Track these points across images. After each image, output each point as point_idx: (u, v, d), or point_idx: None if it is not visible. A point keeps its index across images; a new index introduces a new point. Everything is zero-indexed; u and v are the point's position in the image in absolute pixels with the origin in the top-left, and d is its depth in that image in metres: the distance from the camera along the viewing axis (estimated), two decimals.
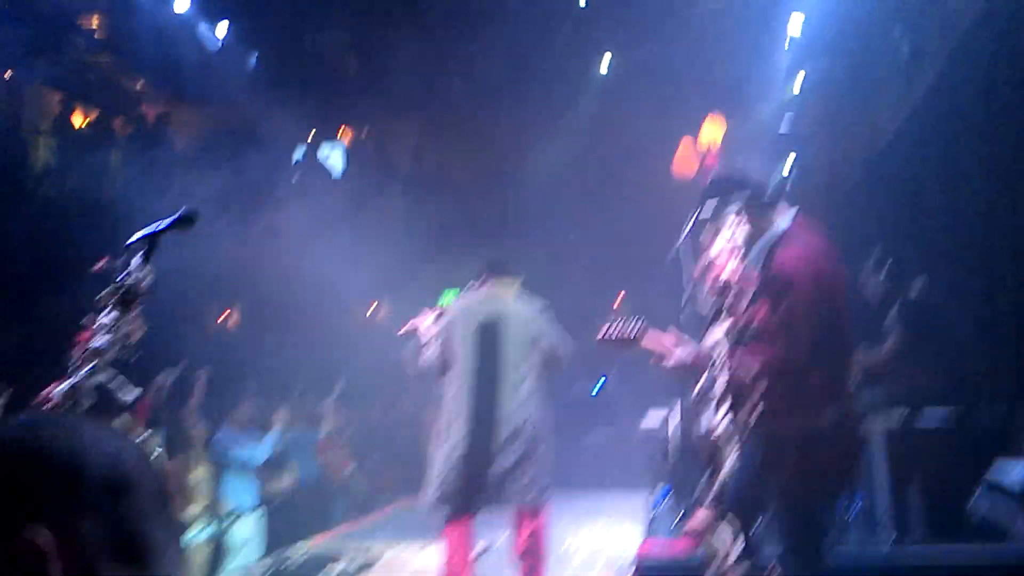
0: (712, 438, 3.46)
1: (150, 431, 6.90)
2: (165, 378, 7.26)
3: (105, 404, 3.11)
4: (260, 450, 8.20)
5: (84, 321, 2.79)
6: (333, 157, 15.19)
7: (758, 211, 3.50)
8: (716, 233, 3.57)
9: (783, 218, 3.45)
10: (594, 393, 10.89)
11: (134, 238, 2.82)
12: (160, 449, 6.88)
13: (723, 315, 3.64)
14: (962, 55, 6.21)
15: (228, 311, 12.74)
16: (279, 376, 9.96)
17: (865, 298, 5.70)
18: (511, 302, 5.07)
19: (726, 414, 3.48)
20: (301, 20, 12.86)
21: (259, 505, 7.97)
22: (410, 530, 7.66)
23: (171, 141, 13.02)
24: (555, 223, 13.31)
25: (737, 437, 3.36)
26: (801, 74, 9.68)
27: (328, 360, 10.43)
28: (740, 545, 3.33)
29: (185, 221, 2.78)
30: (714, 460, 3.47)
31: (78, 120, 12.62)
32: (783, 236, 3.41)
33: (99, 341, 2.83)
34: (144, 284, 2.82)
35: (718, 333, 3.61)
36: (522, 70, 13.16)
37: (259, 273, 10.73)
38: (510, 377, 4.84)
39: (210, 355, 8.95)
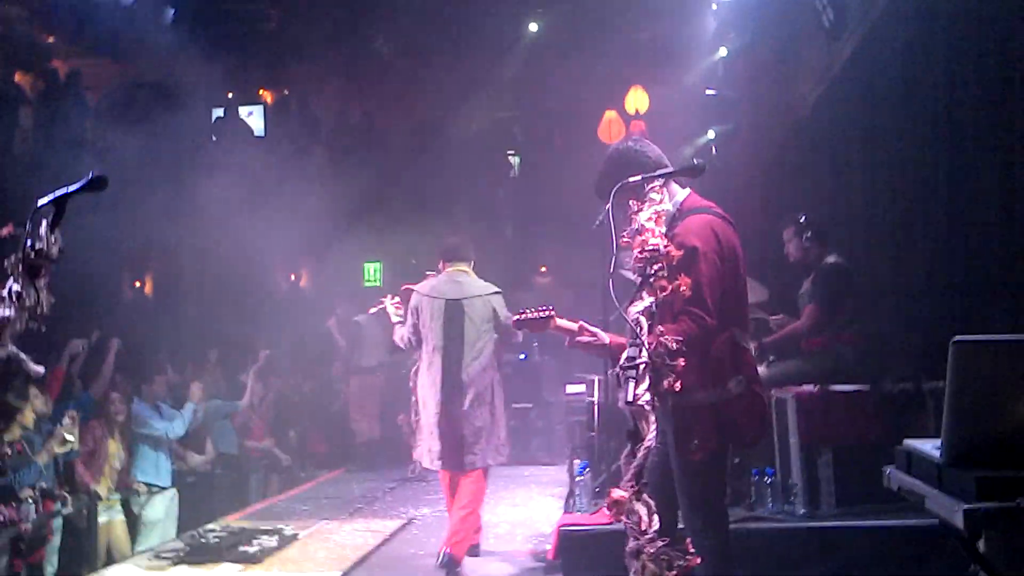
0: (632, 411, 3.43)
1: (63, 404, 6.68)
2: (76, 348, 6.97)
3: (13, 376, 2.94)
4: (176, 424, 7.95)
5: None
6: (253, 117, 14.76)
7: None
8: (644, 200, 3.52)
9: (680, 193, 3.52)
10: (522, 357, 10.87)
11: (41, 202, 2.67)
12: (68, 422, 6.68)
13: (648, 285, 3.60)
14: (883, 23, 6.24)
15: (142, 279, 12.35)
16: (196, 347, 9.69)
17: (787, 261, 5.72)
18: (469, 283, 5.68)
19: (647, 387, 3.45)
20: None
21: (174, 481, 7.75)
22: (331, 504, 7.56)
23: (84, 98, 12.47)
24: (481, 188, 13.20)
25: (656, 410, 3.33)
26: (728, 36, 9.67)
27: (248, 330, 10.18)
28: (656, 520, 3.31)
29: (95, 184, 2.67)
30: (634, 433, 3.44)
31: None
32: (681, 210, 3.47)
33: (4, 311, 2.67)
34: (52, 251, 2.68)
35: (642, 303, 3.57)
36: (449, 28, 12.92)
37: (176, 238, 10.38)
38: (474, 349, 5.52)
39: (123, 325, 8.65)
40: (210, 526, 6.62)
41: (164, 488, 7.63)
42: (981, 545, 2.47)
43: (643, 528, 3.30)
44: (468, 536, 5.48)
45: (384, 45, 13.81)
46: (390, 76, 14.01)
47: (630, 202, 3.54)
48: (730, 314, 3.31)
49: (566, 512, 5.52)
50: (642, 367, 3.40)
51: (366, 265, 13.22)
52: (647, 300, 3.57)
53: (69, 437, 6.63)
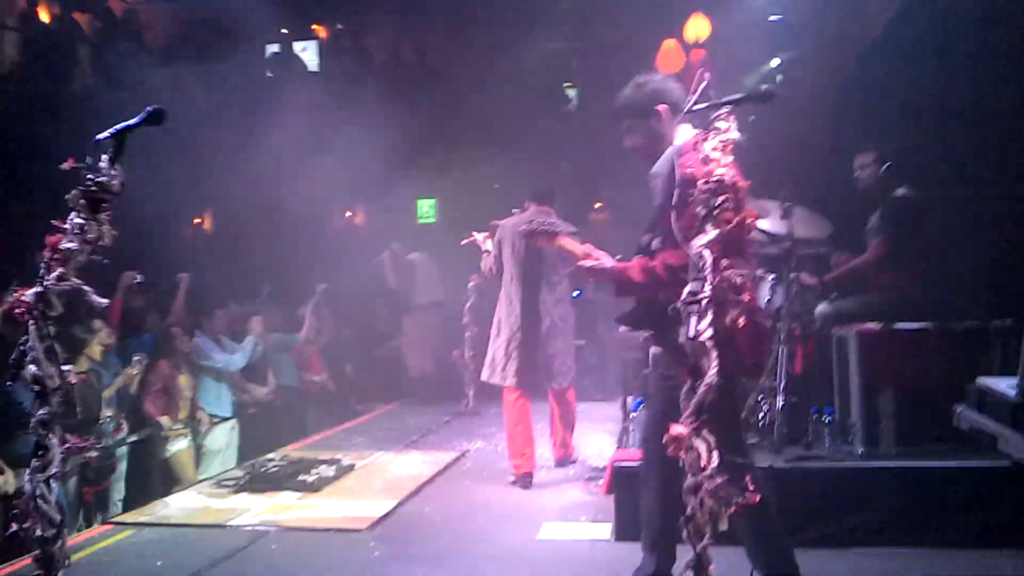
0: (694, 347, 3.37)
1: (129, 337, 6.83)
2: (129, 279, 7.09)
3: (77, 309, 2.99)
4: (237, 356, 8.09)
5: (53, 223, 2.66)
6: (307, 52, 14.69)
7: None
8: (709, 130, 3.42)
9: (681, 133, 3.52)
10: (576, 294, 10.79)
11: (101, 136, 2.72)
12: (139, 357, 6.83)
13: (712, 218, 3.51)
14: None
15: (202, 216, 12.49)
16: (255, 283, 9.81)
17: (855, 191, 5.53)
18: (551, 223, 5.85)
19: (710, 322, 3.38)
20: None
21: (235, 412, 7.91)
22: (386, 438, 7.67)
23: (140, 37, 12.53)
24: (537, 122, 12.98)
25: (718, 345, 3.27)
26: None
27: (304, 265, 10.26)
28: (716, 457, 3.27)
29: (154, 118, 2.72)
30: (695, 369, 3.38)
31: (44, 16, 12.06)
32: (683, 148, 3.44)
33: (68, 244, 2.69)
34: (113, 184, 2.70)
35: (706, 236, 3.48)
36: None
37: (233, 176, 10.42)
38: (550, 282, 6.06)
39: (184, 262, 8.77)
40: (269, 456, 6.76)
41: (226, 419, 7.80)
42: None
43: (702, 464, 3.27)
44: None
45: None
46: (443, 9, 13.79)
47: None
48: (733, 247, 3.25)
49: (619, 448, 5.50)
50: (705, 302, 3.35)
51: (420, 201, 13.17)
52: (712, 233, 3.49)
53: (133, 371, 6.82)
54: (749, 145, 3.86)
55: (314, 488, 5.81)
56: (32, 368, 2.65)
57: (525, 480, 5.84)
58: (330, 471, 6.15)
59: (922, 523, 4.23)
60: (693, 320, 3.32)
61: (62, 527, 2.68)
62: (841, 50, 8.10)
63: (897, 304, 4.99)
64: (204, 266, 9.32)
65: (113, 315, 6.96)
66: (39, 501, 2.65)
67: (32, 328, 2.66)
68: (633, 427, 5.36)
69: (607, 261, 3.55)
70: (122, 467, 6.79)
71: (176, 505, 5.71)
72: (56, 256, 2.70)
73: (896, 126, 6.79)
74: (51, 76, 10.83)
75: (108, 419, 6.62)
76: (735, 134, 3.55)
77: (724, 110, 3.47)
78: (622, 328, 3.85)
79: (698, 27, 10.70)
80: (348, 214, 13.97)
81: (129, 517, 5.55)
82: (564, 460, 6.41)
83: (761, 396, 5.16)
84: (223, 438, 7.67)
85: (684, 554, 3.22)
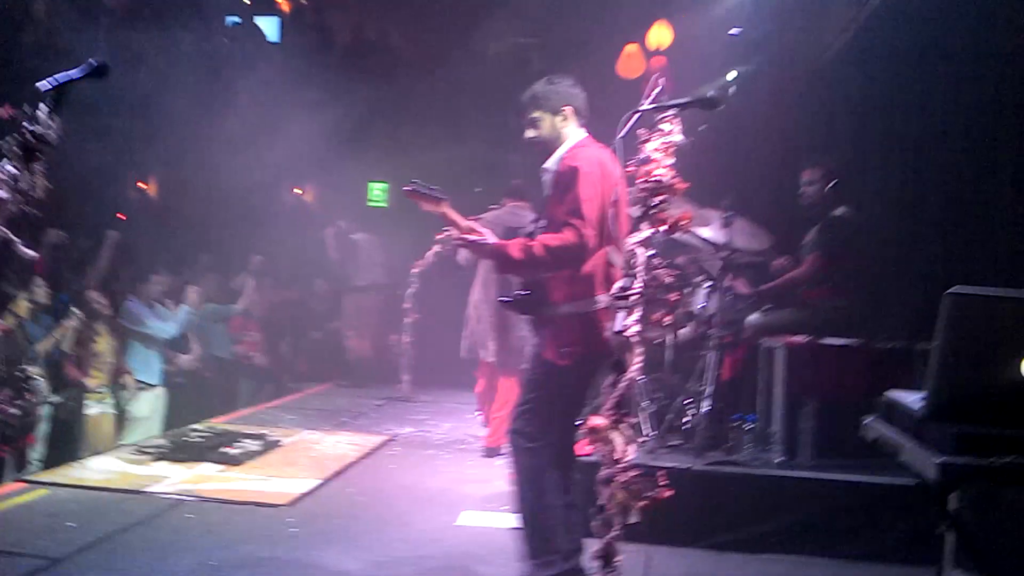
0: (621, 339, 3.42)
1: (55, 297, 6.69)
2: (54, 238, 6.94)
3: (5, 262, 2.92)
4: (170, 324, 7.97)
5: None
6: (269, 25, 14.49)
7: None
8: (654, 132, 3.51)
9: (575, 134, 3.76)
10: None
11: (42, 85, 2.63)
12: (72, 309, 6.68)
13: (648, 217, 3.58)
14: None
15: (146, 180, 12.26)
16: (196, 251, 9.67)
17: (798, 206, 5.63)
18: (527, 216, 6.07)
19: (638, 317, 3.43)
20: None
21: (164, 380, 7.79)
22: (316, 417, 7.62)
23: None
24: (494, 112, 12.98)
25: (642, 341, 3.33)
26: None
27: (249, 239, 10.14)
28: (633, 451, 3.32)
29: (98, 71, 2.66)
30: (618, 364, 3.43)
31: None
32: (574, 145, 3.71)
33: None
34: (50, 135, 2.64)
35: (640, 234, 3.55)
36: None
37: (183, 140, 10.25)
38: None
39: (125, 224, 8.62)
40: (195, 426, 6.68)
41: (152, 386, 7.68)
42: (951, 501, 2.45)
43: (617, 457, 3.32)
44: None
45: None
46: None
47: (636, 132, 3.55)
48: (606, 236, 3.57)
49: None
50: (633, 298, 3.41)
51: (371, 184, 13.09)
52: (646, 232, 3.55)
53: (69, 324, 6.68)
54: (698, 152, 3.93)
55: (237, 461, 5.75)
56: None
57: (493, 452, 6.22)
58: (255, 445, 6.10)
59: (832, 534, 4.34)
60: (621, 315, 3.38)
61: None
62: (797, 66, 8.23)
63: (826, 319, 5.10)
64: (144, 231, 9.16)
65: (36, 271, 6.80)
66: None
67: None
68: None
69: (490, 237, 3.67)
70: (43, 427, 6.64)
71: (94, 468, 5.61)
72: None
73: (845, 144, 6.93)
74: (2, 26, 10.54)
75: (35, 377, 6.48)
76: (678, 137, 3.62)
77: (670, 113, 3.54)
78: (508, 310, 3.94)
79: (660, 34, 10.78)
80: (297, 191, 13.83)
81: (44, 476, 5.46)
82: (496, 450, 6.33)
83: (687, 400, 5.24)
84: (149, 405, 7.54)
85: (592, 545, 3.27)
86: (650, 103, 4.21)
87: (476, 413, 7.12)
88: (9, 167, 2.66)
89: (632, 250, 3.51)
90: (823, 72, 7.81)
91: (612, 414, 3.32)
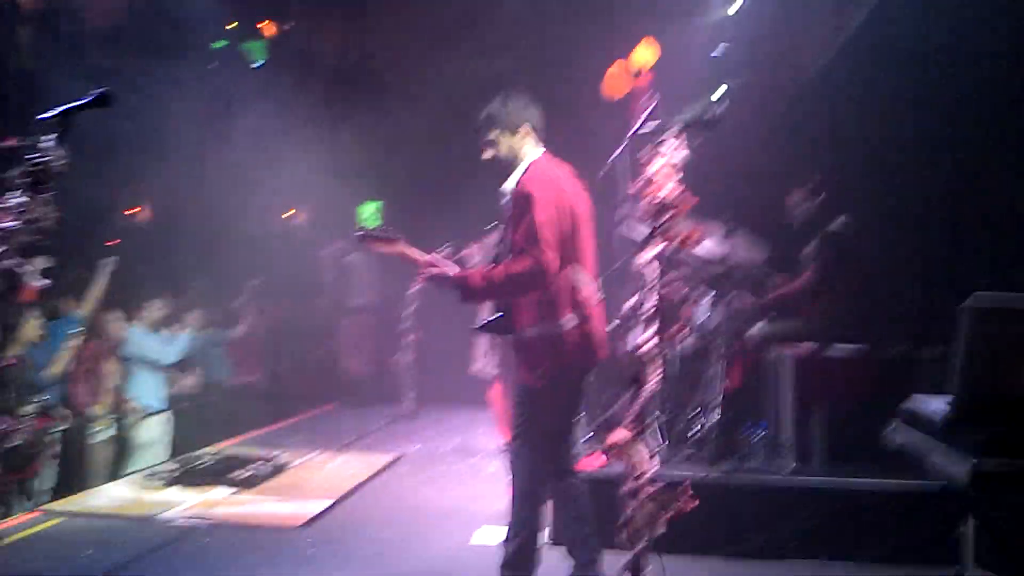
0: (637, 355, 3.48)
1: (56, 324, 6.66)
2: (41, 263, 6.92)
3: (11, 288, 2.95)
4: (171, 349, 7.96)
5: None
6: (254, 49, 14.53)
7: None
8: (656, 151, 3.57)
9: (534, 153, 3.76)
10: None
11: (46, 116, 2.70)
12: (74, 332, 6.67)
13: (656, 236, 3.65)
14: None
15: (140, 205, 12.26)
16: (189, 276, 9.66)
17: (791, 223, 5.73)
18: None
19: (653, 333, 3.50)
20: None
21: (167, 406, 7.78)
22: (322, 439, 7.63)
23: (83, 20, 12.26)
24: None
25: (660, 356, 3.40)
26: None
27: (241, 262, 10.14)
28: (656, 463, 3.38)
29: (102, 100, 2.70)
30: (637, 378, 3.49)
31: None
32: (530, 165, 3.71)
33: (7, 223, 2.67)
34: (56, 165, 2.69)
35: (650, 252, 3.61)
36: None
37: (175, 166, 10.28)
38: None
39: (121, 250, 8.60)
40: (204, 451, 6.68)
41: (159, 412, 7.67)
42: (981, 503, 2.53)
43: (641, 470, 3.38)
44: None
45: None
46: (393, 16, 13.78)
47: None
48: (568, 257, 3.58)
49: None
50: (648, 315, 3.48)
51: (363, 206, 13.13)
52: (656, 249, 3.62)
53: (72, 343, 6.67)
54: (696, 168, 4.01)
55: (248, 484, 5.77)
56: None
57: None
58: (265, 468, 6.11)
59: (848, 539, 4.41)
60: (635, 332, 3.45)
61: None
62: (786, 79, 8.36)
63: (831, 328, 5.19)
64: (138, 256, 9.15)
65: (28, 297, 6.77)
66: None
67: None
68: None
69: (450, 270, 3.71)
70: (52, 455, 6.62)
71: (107, 495, 5.63)
72: None
73: (837, 155, 7.05)
74: None
75: (43, 401, 6.46)
76: (683, 153, 3.71)
77: (670, 133, 3.63)
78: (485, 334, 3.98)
79: (646, 53, 10.89)
80: (290, 213, 13.85)
81: (59, 505, 5.46)
82: None
83: (697, 410, 5.31)
84: (155, 430, 7.52)
85: (617, 557, 3.32)
86: (645, 120, 4.33)
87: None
88: (17, 197, 2.71)
89: (643, 267, 3.59)
90: (814, 83, 7.94)
91: (633, 427, 3.39)
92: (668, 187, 3.67)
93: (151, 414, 7.59)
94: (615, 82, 11.37)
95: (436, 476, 6.28)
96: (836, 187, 6.07)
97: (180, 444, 7.49)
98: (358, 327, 10.35)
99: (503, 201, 3.77)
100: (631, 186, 3.95)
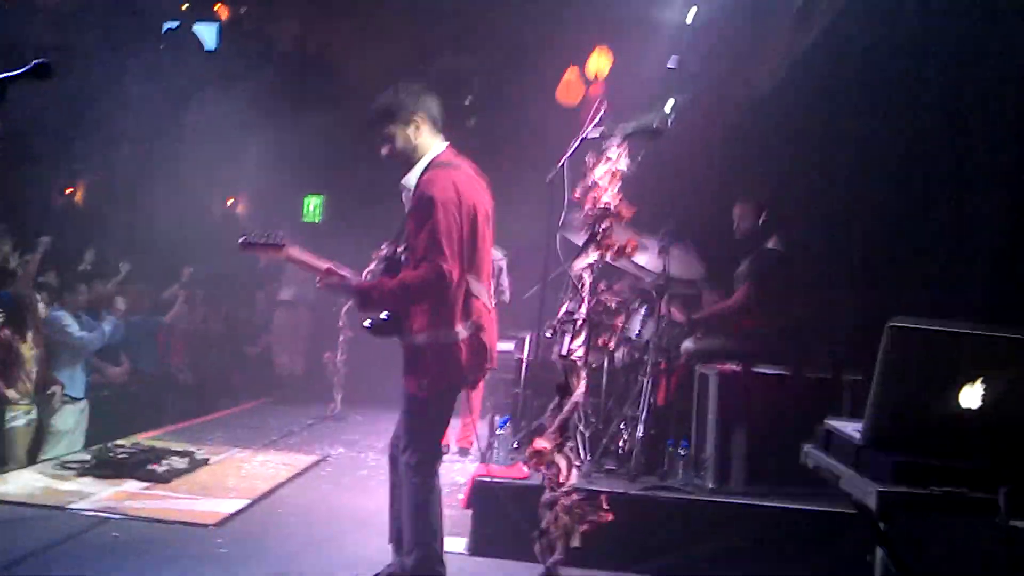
0: (567, 362, 3.47)
1: None
2: None
3: None
4: (95, 335, 7.74)
5: None
6: (206, 32, 14.28)
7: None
8: (600, 157, 3.56)
9: (437, 148, 3.68)
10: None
11: None
12: None
13: (594, 242, 3.64)
14: (851, 11, 6.27)
15: (75, 185, 11.95)
16: (123, 259, 9.43)
17: (732, 237, 5.76)
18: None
19: (582, 342, 3.48)
20: None
21: (88, 392, 7.56)
22: (245, 435, 7.48)
23: None
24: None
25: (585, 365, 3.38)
26: (694, 9, 9.61)
27: (177, 249, 9.93)
28: (576, 475, 3.36)
29: (39, 72, 2.58)
30: (564, 387, 3.47)
31: None
32: (431, 163, 3.63)
33: None
34: None
35: (587, 259, 3.60)
36: None
37: (112, 146, 10.03)
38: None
39: (51, 231, 8.36)
40: (120, 442, 6.49)
41: (77, 399, 7.44)
42: (887, 529, 2.53)
43: (560, 480, 3.35)
44: None
45: None
46: (349, 6, 13.65)
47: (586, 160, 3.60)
48: (466, 264, 3.52)
49: (482, 463, 5.54)
50: (579, 322, 3.46)
51: (306, 199, 12.96)
52: (592, 256, 3.61)
53: None
54: (637, 180, 4.00)
55: (163, 479, 5.61)
56: None
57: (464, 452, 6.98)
58: (182, 463, 5.95)
59: (765, 560, 4.40)
60: (567, 339, 3.43)
61: None
62: (734, 97, 8.43)
63: (758, 348, 5.22)
64: (70, 237, 8.92)
65: None
66: None
67: None
68: (497, 444, 5.40)
69: (351, 278, 3.63)
70: None
71: (15, 482, 5.42)
72: None
73: (779, 175, 7.11)
74: None
75: None
76: (623, 164, 3.70)
77: (615, 140, 3.61)
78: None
79: (600, 61, 10.92)
80: (230, 202, 13.62)
81: None
82: (467, 451, 7.07)
83: (622, 424, 5.30)
84: (72, 419, 7.29)
85: (534, 568, 3.29)
86: (593, 128, 4.30)
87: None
88: None
89: (579, 275, 3.57)
90: (760, 103, 8.01)
91: (556, 438, 3.36)
92: (609, 194, 3.66)
93: (72, 400, 7.37)
94: (569, 88, 11.42)
95: (358, 480, 6.17)
96: (776, 205, 6.14)
97: (98, 434, 7.27)
98: (292, 321, 10.18)
99: (404, 195, 3.67)
100: (574, 191, 3.91)
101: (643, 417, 5.08)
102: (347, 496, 5.80)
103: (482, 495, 4.75)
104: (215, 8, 14.61)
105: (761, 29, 7.93)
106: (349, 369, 8.70)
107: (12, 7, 10.51)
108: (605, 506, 3.17)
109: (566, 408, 3.29)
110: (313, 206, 13.07)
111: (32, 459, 6.68)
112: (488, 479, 4.78)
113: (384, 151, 3.69)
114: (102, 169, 10.88)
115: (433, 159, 3.64)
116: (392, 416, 6.35)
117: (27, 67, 2.59)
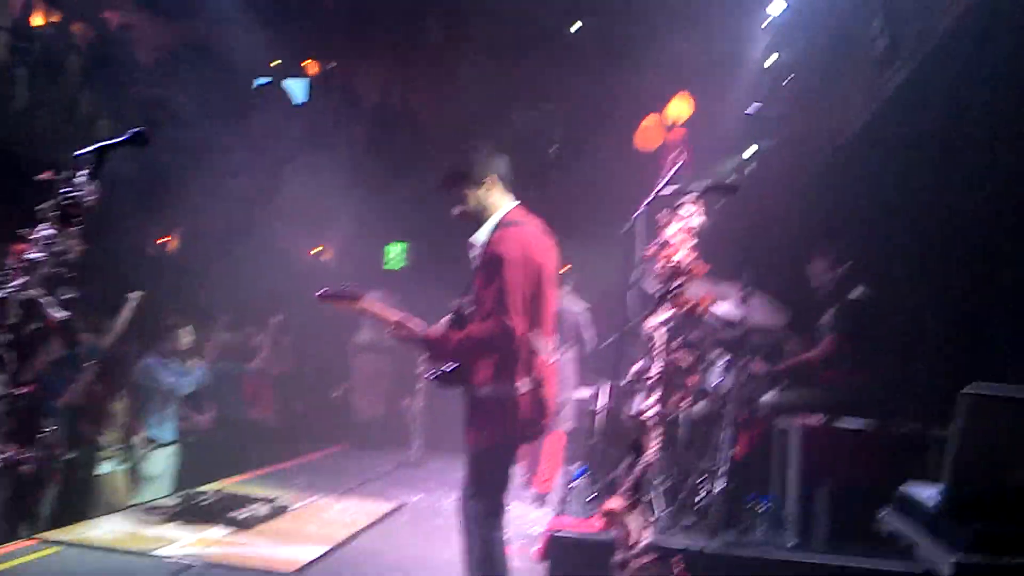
0: (639, 422, 3.42)
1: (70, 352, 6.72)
2: (66, 293, 6.97)
3: (32, 319, 2.97)
4: (186, 381, 7.96)
5: (22, 232, 2.67)
6: (296, 86, 14.80)
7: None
8: (673, 215, 3.55)
9: (507, 207, 3.76)
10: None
11: (82, 152, 2.74)
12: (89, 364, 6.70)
13: (667, 300, 3.60)
14: (936, 57, 6.12)
15: (169, 235, 12.42)
16: (213, 306, 9.72)
17: (812, 289, 5.65)
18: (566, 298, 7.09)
19: (657, 400, 3.44)
20: None
21: (177, 438, 7.78)
22: (326, 482, 7.57)
23: (132, 52, 12.56)
24: (518, 176, 13.10)
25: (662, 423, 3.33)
26: (774, 56, 9.56)
27: (265, 297, 10.19)
28: (650, 533, 3.30)
29: (138, 139, 2.74)
30: (638, 444, 3.42)
31: (38, 20, 12.06)
32: (501, 222, 3.71)
33: (35, 254, 2.70)
34: (88, 200, 2.73)
35: (660, 317, 3.57)
36: (497, 22, 12.89)
37: (205, 199, 10.40)
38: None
39: (144, 280, 8.67)
40: (203, 488, 6.65)
41: (167, 444, 7.66)
42: None
43: (632, 541, 3.29)
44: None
45: (432, 30, 13.82)
46: (435, 61, 13.99)
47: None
48: (530, 321, 3.59)
49: (557, 515, 5.49)
50: (652, 381, 3.41)
51: (388, 247, 13.18)
52: (665, 314, 3.57)
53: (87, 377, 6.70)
54: (716, 228, 3.97)
55: (245, 525, 5.72)
56: None
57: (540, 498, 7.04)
58: (263, 509, 6.06)
59: None
60: (639, 397, 3.38)
61: None
62: (815, 145, 8.32)
63: (841, 401, 5.08)
64: (163, 286, 9.23)
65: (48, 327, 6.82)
66: None
67: None
68: (572, 496, 5.35)
69: (419, 329, 3.72)
70: (55, 484, 6.62)
71: (104, 528, 5.60)
72: (20, 265, 2.71)
73: (864, 224, 6.96)
74: (37, 80, 10.80)
75: (52, 431, 6.47)
76: (698, 219, 3.66)
77: (689, 198, 3.59)
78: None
79: (680, 107, 10.91)
80: (317, 250, 13.95)
81: (55, 535, 5.43)
82: (544, 496, 7.06)
83: (701, 478, 5.20)
84: (162, 464, 7.50)
85: None
86: (668, 181, 4.29)
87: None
88: (46, 230, 2.74)
89: (652, 332, 3.53)
90: (842, 151, 7.88)
91: (628, 497, 3.31)
92: (682, 252, 3.63)
93: (160, 446, 7.58)
94: (648, 135, 11.42)
95: (435, 528, 6.18)
96: (860, 257, 6.00)
97: (186, 478, 7.47)
98: (372, 367, 10.30)
99: (472, 253, 3.76)
100: (647, 248, 3.90)
101: (723, 471, 4.98)
102: (424, 544, 5.81)
103: (558, 549, 4.71)
104: (304, 64, 15.16)
105: (842, 75, 7.83)
106: (429, 415, 8.76)
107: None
108: (678, 567, 3.10)
109: (639, 468, 3.24)
110: (395, 254, 13.30)
111: (122, 504, 6.88)
112: (562, 533, 4.73)
113: (456, 212, 3.81)
114: (193, 221, 11.28)
115: (503, 218, 3.73)
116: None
117: (127, 135, 2.75)
